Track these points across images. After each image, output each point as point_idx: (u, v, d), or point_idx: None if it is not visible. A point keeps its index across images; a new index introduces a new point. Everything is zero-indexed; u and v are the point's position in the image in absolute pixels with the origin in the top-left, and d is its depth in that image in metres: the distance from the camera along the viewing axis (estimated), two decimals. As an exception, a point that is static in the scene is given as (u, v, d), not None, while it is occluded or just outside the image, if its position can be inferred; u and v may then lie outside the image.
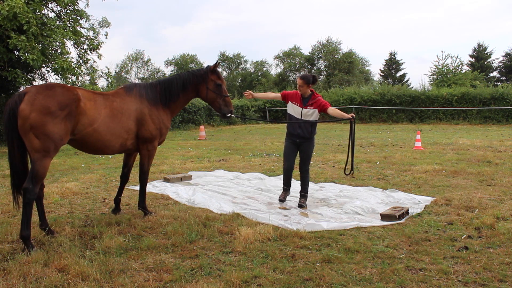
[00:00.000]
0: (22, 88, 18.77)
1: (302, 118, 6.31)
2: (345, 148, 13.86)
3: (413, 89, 33.18)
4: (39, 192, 5.04)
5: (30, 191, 4.62)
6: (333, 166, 10.10)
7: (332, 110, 6.24)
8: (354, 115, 6.21)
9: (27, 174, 4.83)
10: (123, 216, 5.81)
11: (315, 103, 6.29)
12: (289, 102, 6.45)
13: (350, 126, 6.32)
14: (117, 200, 6.14)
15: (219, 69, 6.28)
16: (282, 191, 6.84)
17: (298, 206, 6.42)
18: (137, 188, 7.88)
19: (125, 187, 7.93)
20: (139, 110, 5.61)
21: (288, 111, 6.53)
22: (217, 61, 6.09)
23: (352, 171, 6.93)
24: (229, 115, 6.04)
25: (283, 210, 6.25)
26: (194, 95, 6.11)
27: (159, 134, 5.81)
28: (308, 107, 6.29)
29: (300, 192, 6.62)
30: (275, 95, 6.73)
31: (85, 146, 5.24)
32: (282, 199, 6.67)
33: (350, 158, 6.59)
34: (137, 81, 54.00)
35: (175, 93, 5.91)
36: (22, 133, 4.64)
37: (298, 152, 6.58)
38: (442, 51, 72.86)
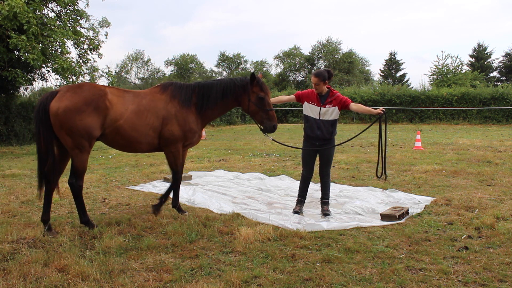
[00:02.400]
0: (22, 88, 18.83)
1: (321, 118, 5.88)
2: (345, 148, 13.87)
3: (413, 89, 33.21)
4: (53, 186, 5.28)
5: (74, 185, 5.14)
6: (333, 166, 10.10)
7: (356, 106, 5.85)
8: (384, 109, 5.69)
9: (52, 167, 5.09)
10: (123, 216, 5.81)
11: (334, 100, 5.85)
12: (305, 102, 5.99)
13: (379, 123, 5.80)
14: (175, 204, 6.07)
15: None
16: (296, 202, 6.26)
17: (324, 215, 5.96)
18: (137, 188, 7.91)
19: (125, 187, 7.95)
20: (166, 109, 5.48)
21: (304, 113, 6.07)
22: (256, 71, 5.84)
23: (385, 175, 6.14)
24: (268, 136, 5.67)
25: (283, 210, 6.24)
26: (236, 105, 5.83)
27: (182, 136, 5.56)
28: (327, 105, 5.84)
29: (321, 199, 6.19)
30: (289, 97, 6.28)
31: (113, 141, 5.35)
32: (298, 211, 6.10)
33: (382, 159, 6.02)
34: (137, 81, 54.02)
35: (213, 101, 5.64)
36: (56, 131, 4.99)
37: (318, 156, 6.12)
38: (442, 51, 72.80)
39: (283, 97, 6.37)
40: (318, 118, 5.92)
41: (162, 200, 5.82)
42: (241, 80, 5.70)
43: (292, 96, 6.24)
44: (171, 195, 5.97)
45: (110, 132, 5.22)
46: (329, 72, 5.92)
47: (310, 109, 5.98)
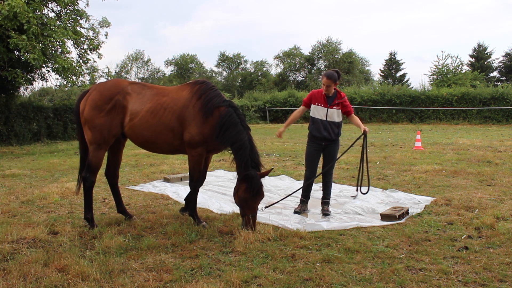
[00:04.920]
0: (22, 88, 18.84)
1: (328, 120, 5.91)
2: (345, 148, 13.85)
3: (413, 89, 33.18)
4: (113, 180, 5.65)
5: (87, 179, 5.27)
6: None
7: (353, 118, 6.09)
8: (367, 129, 5.88)
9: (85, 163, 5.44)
10: (123, 216, 5.80)
11: (341, 103, 5.96)
12: (312, 105, 6.00)
13: (363, 140, 5.94)
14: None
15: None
16: (299, 202, 6.25)
17: (324, 215, 5.97)
18: (137, 188, 7.91)
19: (125, 187, 7.94)
20: (186, 108, 5.13)
21: (311, 114, 6.04)
22: (247, 174, 4.97)
23: (367, 190, 6.09)
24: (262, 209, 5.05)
25: (283, 210, 6.24)
26: None
27: (203, 140, 5.14)
28: (334, 107, 5.92)
29: (322, 199, 6.22)
30: (300, 110, 6.18)
31: (133, 140, 5.38)
32: (298, 211, 6.10)
33: (363, 175, 6.00)
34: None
35: (222, 139, 5.10)
36: (82, 126, 5.32)
37: (322, 156, 6.17)
38: (442, 51, 72.69)
39: (296, 114, 6.23)
40: (325, 119, 5.95)
41: (192, 215, 5.47)
42: (245, 165, 5.02)
43: (302, 108, 6.17)
44: (173, 197, 5.94)
45: (128, 131, 5.27)
46: (338, 72, 5.97)
47: (316, 111, 5.99)
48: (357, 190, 6.15)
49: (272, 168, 5.85)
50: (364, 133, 5.88)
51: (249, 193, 4.92)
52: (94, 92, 5.26)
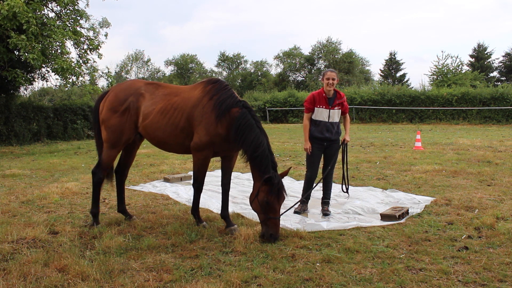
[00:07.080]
0: (22, 88, 18.84)
1: (330, 121, 5.95)
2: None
3: (413, 89, 33.20)
4: (121, 178, 5.76)
5: (96, 174, 5.41)
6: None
7: (346, 118, 6.24)
8: (348, 139, 6.09)
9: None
10: (123, 216, 5.80)
11: (341, 104, 6.03)
12: (314, 108, 5.99)
13: (343, 147, 6.16)
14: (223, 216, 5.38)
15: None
16: (299, 203, 6.13)
17: (324, 215, 5.99)
18: (137, 188, 7.92)
19: (125, 187, 7.93)
20: (194, 108, 4.99)
21: (313, 117, 6.01)
22: (270, 176, 4.70)
23: (347, 194, 6.32)
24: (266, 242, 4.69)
25: (282, 210, 6.23)
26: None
27: (210, 142, 4.94)
28: (335, 108, 6.00)
29: (322, 199, 6.24)
30: (308, 118, 6.06)
31: (148, 140, 5.46)
32: (298, 211, 6.09)
33: (346, 177, 6.22)
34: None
35: (239, 145, 4.94)
36: (100, 126, 5.47)
37: (323, 156, 6.20)
38: (442, 51, 72.81)
39: (307, 123, 6.08)
40: (327, 120, 5.99)
41: (193, 214, 5.42)
42: (266, 169, 4.76)
43: (308, 114, 6.06)
44: (173, 198, 5.94)
45: (142, 131, 5.34)
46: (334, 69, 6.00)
47: (319, 113, 6.00)
48: (342, 190, 6.35)
49: (291, 167, 5.84)
50: (344, 143, 6.15)
51: (273, 195, 4.68)
52: (112, 94, 5.41)
